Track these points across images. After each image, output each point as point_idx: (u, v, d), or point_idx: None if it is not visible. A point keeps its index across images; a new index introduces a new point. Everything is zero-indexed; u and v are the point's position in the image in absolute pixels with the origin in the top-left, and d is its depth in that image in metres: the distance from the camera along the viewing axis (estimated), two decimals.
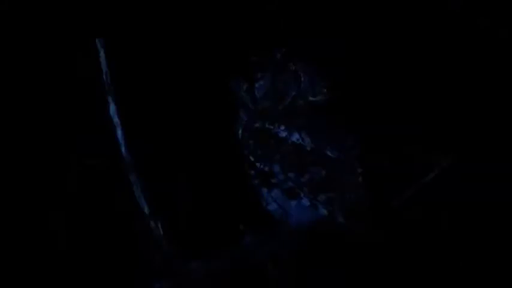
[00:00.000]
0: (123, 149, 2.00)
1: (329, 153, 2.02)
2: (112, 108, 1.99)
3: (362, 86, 2.53)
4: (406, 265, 2.20)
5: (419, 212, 2.28)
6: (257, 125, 2.06)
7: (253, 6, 2.65)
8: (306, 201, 2.02)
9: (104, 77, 1.99)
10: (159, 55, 2.65)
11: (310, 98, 2.06)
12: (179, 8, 2.66)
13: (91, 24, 2.54)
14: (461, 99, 2.53)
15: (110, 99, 1.99)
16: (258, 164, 2.05)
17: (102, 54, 1.98)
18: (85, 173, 2.60)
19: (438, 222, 2.33)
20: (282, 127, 2.03)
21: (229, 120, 2.13)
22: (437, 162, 2.20)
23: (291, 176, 2.02)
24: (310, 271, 2.26)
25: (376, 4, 2.60)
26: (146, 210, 2.00)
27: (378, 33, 2.59)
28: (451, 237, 2.30)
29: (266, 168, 2.04)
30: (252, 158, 2.06)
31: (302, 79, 2.05)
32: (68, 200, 2.59)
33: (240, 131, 2.09)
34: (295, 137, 2.02)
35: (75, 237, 2.56)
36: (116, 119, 2.00)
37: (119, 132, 2.00)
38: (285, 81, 2.04)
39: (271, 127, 2.04)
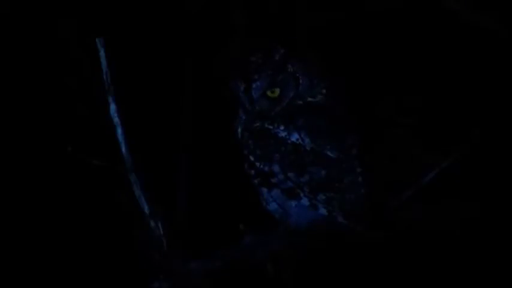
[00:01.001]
0: (123, 149, 2.00)
1: (329, 153, 2.02)
2: (112, 108, 1.99)
3: (362, 85, 2.53)
4: (406, 265, 2.20)
5: (419, 212, 2.28)
6: (257, 125, 2.05)
7: (253, 7, 2.65)
8: (305, 201, 2.01)
9: (104, 77, 1.98)
10: (159, 55, 2.66)
11: (309, 99, 2.05)
12: (179, 8, 2.66)
13: (91, 24, 2.54)
14: (462, 99, 2.54)
15: (110, 99, 1.98)
16: (258, 164, 2.05)
17: (102, 54, 1.98)
18: (85, 173, 2.60)
19: (437, 222, 2.33)
20: (282, 127, 2.03)
21: (229, 120, 2.13)
22: (437, 162, 2.20)
23: (290, 176, 2.02)
24: (310, 271, 2.26)
25: (375, 5, 2.60)
26: (146, 210, 2.00)
27: (378, 33, 2.60)
28: (450, 237, 2.30)
29: (266, 168, 2.04)
30: (252, 158, 2.06)
31: (300, 80, 2.04)
32: (67, 199, 2.60)
33: (239, 131, 2.09)
34: (295, 137, 2.02)
35: (75, 237, 2.56)
36: (116, 119, 2.00)
37: (119, 132, 2.00)
38: (284, 82, 2.04)
39: (271, 127, 2.04)
